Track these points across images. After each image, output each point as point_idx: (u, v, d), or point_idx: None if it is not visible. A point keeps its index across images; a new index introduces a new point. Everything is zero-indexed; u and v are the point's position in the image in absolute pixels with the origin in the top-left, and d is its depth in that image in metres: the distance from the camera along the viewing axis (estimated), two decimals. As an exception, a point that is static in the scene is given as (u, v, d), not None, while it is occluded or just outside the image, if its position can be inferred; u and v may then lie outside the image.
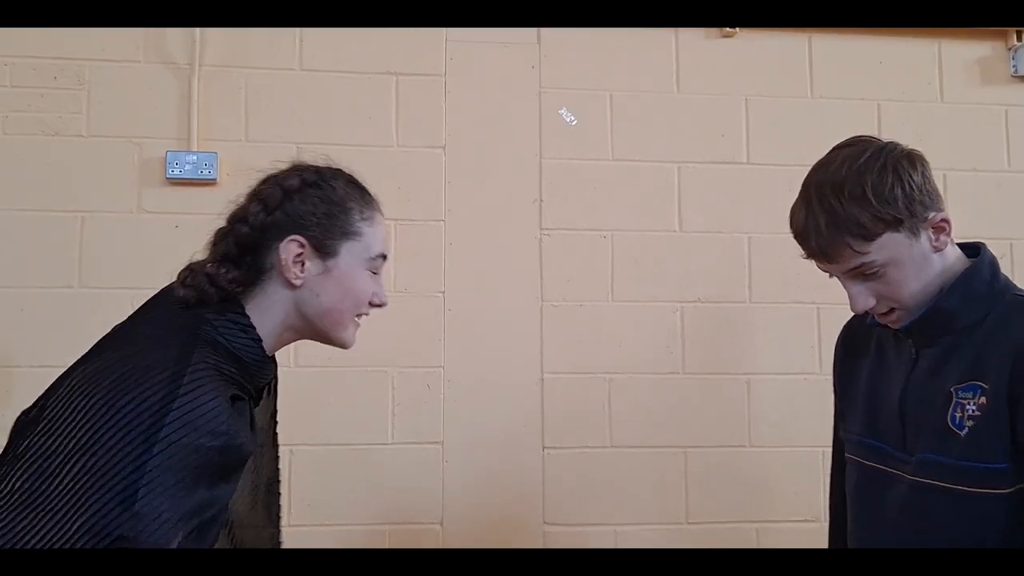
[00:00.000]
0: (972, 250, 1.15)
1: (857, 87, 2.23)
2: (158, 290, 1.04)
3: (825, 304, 2.14)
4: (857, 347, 1.27)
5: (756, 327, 2.16)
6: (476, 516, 2.04)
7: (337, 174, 1.07)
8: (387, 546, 2.00)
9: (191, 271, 1.00)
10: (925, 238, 1.07)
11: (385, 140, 2.11)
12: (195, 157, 1.99)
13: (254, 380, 0.99)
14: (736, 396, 2.14)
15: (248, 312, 0.99)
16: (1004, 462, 0.99)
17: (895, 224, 1.04)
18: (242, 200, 1.06)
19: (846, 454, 1.25)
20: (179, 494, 0.82)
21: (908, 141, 1.13)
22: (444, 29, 2.13)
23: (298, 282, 1.00)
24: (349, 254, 1.03)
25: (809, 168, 1.13)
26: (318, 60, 2.11)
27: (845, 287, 1.10)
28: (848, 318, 1.31)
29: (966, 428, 1.02)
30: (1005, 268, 2.16)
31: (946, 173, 2.17)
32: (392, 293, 2.06)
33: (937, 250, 1.08)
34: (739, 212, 2.16)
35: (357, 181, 1.09)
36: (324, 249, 1.01)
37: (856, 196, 1.03)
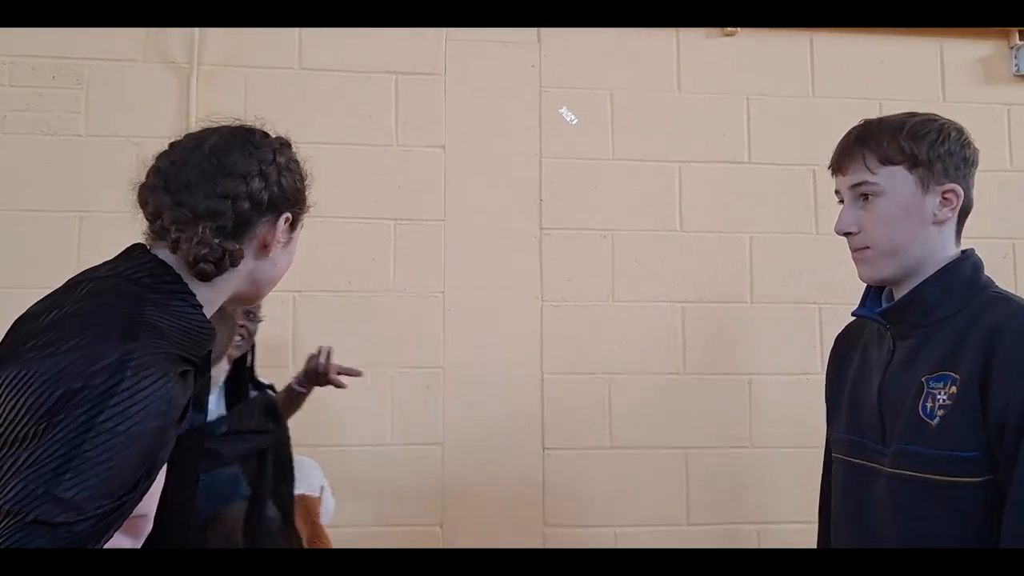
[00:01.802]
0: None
1: (859, 86, 2.22)
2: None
3: (826, 304, 2.14)
4: (847, 349, 1.29)
5: (757, 327, 2.15)
6: (476, 517, 2.03)
7: (288, 143, 1.08)
8: (387, 547, 2.00)
9: (200, 244, 0.95)
10: (931, 200, 1.10)
11: (385, 140, 2.10)
12: (195, 157, 1.99)
13: (200, 349, 0.97)
14: (737, 396, 2.13)
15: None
16: (975, 450, 1.00)
17: (911, 162, 1.09)
18: (205, 167, 1.03)
19: (833, 454, 1.27)
20: (109, 482, 0.79)
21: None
22: (444, 29, 2.13)
23: (272, 254, 1.00)
24: (300, 224, 1.05)
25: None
26: (318, 60, 2.10)
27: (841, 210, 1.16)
28: (848, 322, 1.32)
29: (937, 417, 1.03)
30: (1007, 267, 2.21)
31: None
32: (392, 293, 2.06)
33: (937, 222, 1.10)
34: (740, 211, 2.15)
35: None
36: (297, 223, 1.03)
37: (895, 126, 1.11)
